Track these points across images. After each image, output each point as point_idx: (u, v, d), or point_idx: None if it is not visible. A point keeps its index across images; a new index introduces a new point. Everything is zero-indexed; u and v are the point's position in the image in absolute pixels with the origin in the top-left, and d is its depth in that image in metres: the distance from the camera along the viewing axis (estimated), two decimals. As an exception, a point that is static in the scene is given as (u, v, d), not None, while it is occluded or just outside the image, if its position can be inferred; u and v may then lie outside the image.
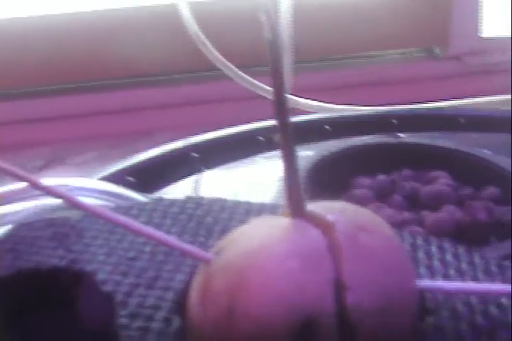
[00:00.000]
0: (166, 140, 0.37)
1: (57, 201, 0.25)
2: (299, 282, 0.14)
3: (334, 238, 0.15)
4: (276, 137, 0.15)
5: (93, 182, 0.25)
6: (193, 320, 0.15)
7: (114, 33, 0.71)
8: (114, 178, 0.29)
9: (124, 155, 0.34)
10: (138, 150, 0.35)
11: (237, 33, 0.61)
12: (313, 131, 0.35)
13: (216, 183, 0.31)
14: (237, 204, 0.23)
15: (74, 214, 0.22)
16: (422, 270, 0.19)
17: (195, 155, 0.32)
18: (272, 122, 0.36)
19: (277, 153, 0.34)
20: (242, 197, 0.29)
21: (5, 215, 0.23)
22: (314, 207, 0.16)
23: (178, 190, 0.29)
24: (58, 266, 0.18)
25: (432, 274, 0.19)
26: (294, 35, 0.48)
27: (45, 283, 0.18)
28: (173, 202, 0.23)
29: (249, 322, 0.14)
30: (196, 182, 0.31)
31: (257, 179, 0.30)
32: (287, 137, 0.15)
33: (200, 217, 0.22)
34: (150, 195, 0.29)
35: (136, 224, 0.16)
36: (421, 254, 0.20)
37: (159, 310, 0.16)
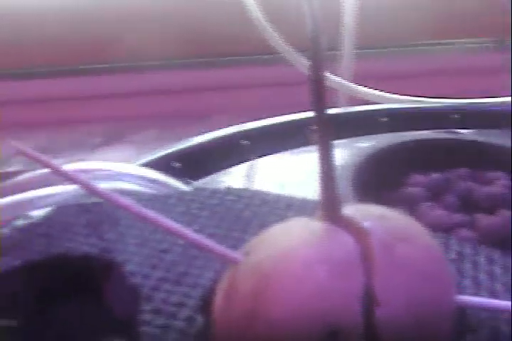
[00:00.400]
0: (226, 121, 0.36)
1: (113, 185, 0.25)
2: (325, 290, 0.13)
3: (368, 246, 0.14)
4: (313, 137, 0.14)
5: (135, 168, 0.25)
6: (216, 320, 0.15)
7: (178, 14, 0.71)
8: (160, 163, 0.29)
9: (182, 136, 0.34)
10: (196, 132, 0.34)
11: (298, 16, 0.60)
12: (369, 123, 0.33)
13: (264, 173, 0.30)
14: (278, 198, 0.22)
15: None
16: (467, 282, 0.18)
17: (246, 142, 0.32)
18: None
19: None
20: (290, 188, 0.28)
21: (46, 197, 0.23)
22: (351, 211, 0.15)
23: (224, 178, 0.29)
24: (89, 255, 0.18)
25: (477, 288, 0.17)
26: (360, 21, 0.46)
27: (74, 271, 0.18)
28: (213, 193, 0.22)
29: (271, 327, 0.13)
30: (244, 171, 0.30)
31: (306, 170, 0.29)
32: (325, 137, 0.14)
33: (239, 211, 0.21)
34: (194, 182, 0.28)
35: (158, 218, 0.16)
36: (467, 265, 0.18)
37: (183, 307, 0.16)
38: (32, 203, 0.23)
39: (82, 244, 0.19)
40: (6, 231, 0.19)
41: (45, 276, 0.18)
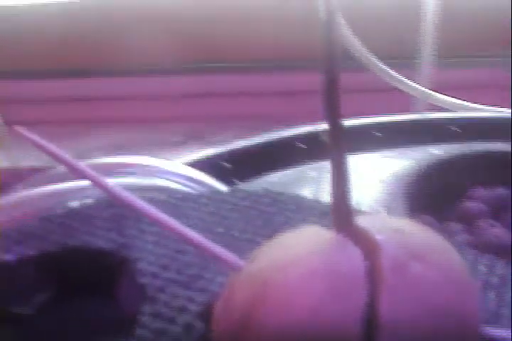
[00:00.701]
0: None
1: (149, 181, 0.24)
2: (322, 308, 0.12)
3: (378, 263, 0.13)
4: (325, 137, 0.13)
5: (179, 166, 0.24)
6: (213, 329, 0.14)
7: (260, 18, 0.70)
8: (209, 162, 0.28)
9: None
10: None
11: (380, 24, 0.58)
12: (437, 132, 0.31)
13: (316, 178, 0.28)
14: (315, 204, 0.21)
15: (156, 197, 0.22)
16: (505, 312, 0.16)
17: (302, 146, 0.30)
18: (389, 118, 0.33)
19: (387, 151, 0.31)
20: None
21: (85, 189, 0.23)
22: (366, 222, 0.14)
23: (272, 181, 0.28)
24: (104, 250, 0.18)
25: (516, 319, 0.15)
26: (440, 30, 0.44)
27: (87, 265, 0.18)
28: (247, 195, 0.21)
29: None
30: (295, 175, 0.29)
31: (356, 178, 0.28)
32: (337, 138, 0.13)
33: (271, 215, 0.20)
34: (241, 184, 0.28)
35: (170, 222, 0.15)
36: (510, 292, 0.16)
37: (185, 312, 0.15)
38: (72, 194, 0.23)
39: (101, 238, 0.18)
40: (29, 220, 0.19)
41: (58, 268, 0.18)
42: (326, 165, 0.31)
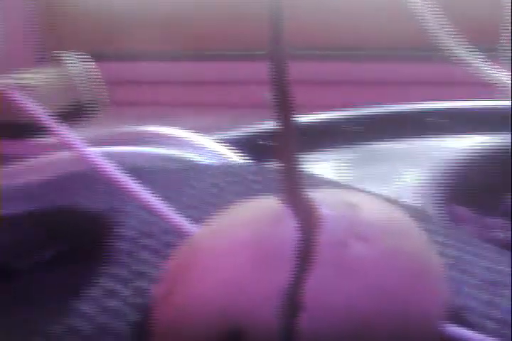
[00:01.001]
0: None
1: (169, 151, 0.24)
2: (242, 281, 0.11)
3: (315, 238, 0.12)
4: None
5: (203, 139, 0.24)
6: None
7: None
8: (246, 139, 0.28)
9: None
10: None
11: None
12: (496, 120, 0.29)
13: (351, 162, 0.27)
14: (324, 182, 0.20)
15: (167, 166, 0.22)
16: (495, 313, 0.14)
17: (348, 128, 0.29)
18: (443, 105, 0.31)
19: (438, 138, 0.29)
20: (369, 182, 0.25)
21: (112, 154, 0.23)
22: (321, 195, 0.12)
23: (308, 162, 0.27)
24: (91, 212, 0.18)
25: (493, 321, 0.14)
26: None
27: (74, 226, 0.18)
28: (240, 170, 0.20)
29: (179, 311, 0.12)
30: (332, 156, 0.28)
31: (397, 164, 0.26)
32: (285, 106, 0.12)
33: (254, 191, 0.19)
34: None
35: (140, 191, 0.15)
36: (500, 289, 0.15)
37: (142, 277, 0.15)
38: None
39: (93, 202, 0.18)
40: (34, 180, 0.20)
41: (50, 227, 0.18)
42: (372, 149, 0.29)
